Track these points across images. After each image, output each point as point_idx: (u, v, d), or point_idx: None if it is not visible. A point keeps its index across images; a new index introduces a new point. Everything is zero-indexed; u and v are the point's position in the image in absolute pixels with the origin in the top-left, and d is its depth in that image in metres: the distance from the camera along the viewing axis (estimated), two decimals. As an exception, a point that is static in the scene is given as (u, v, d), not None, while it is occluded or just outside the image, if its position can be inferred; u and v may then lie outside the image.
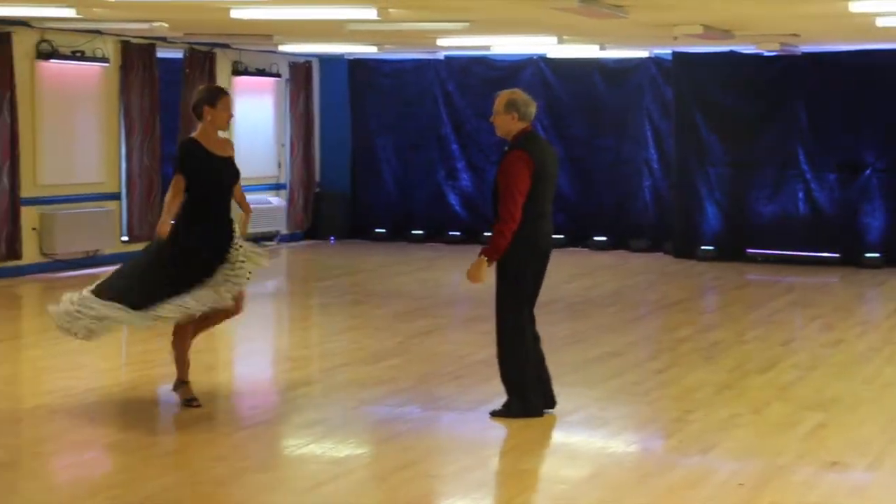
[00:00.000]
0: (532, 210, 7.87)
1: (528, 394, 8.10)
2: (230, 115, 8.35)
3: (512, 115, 7.95)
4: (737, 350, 10.76)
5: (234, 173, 8.42)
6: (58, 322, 8.20)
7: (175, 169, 8.25)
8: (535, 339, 8.22)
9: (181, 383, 8.51)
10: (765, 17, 12.49)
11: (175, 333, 8.47)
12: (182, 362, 8.51)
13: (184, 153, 8.26)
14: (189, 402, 8.41)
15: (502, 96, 8.03)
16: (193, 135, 8.32)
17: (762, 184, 16.96)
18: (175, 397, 8.48)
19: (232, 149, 8.49)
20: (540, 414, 8.14)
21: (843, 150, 16.61)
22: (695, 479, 6.93)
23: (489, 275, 7.93)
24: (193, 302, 8.12)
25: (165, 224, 8.18)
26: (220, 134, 8.45)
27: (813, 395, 9.02)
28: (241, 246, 8.35)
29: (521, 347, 8.04)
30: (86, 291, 8.22)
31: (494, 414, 8.15)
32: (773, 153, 16.90)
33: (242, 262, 8.31)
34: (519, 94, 8.05)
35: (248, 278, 8.34)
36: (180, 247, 8.16)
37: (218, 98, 8.31)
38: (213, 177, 8.28)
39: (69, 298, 8.22)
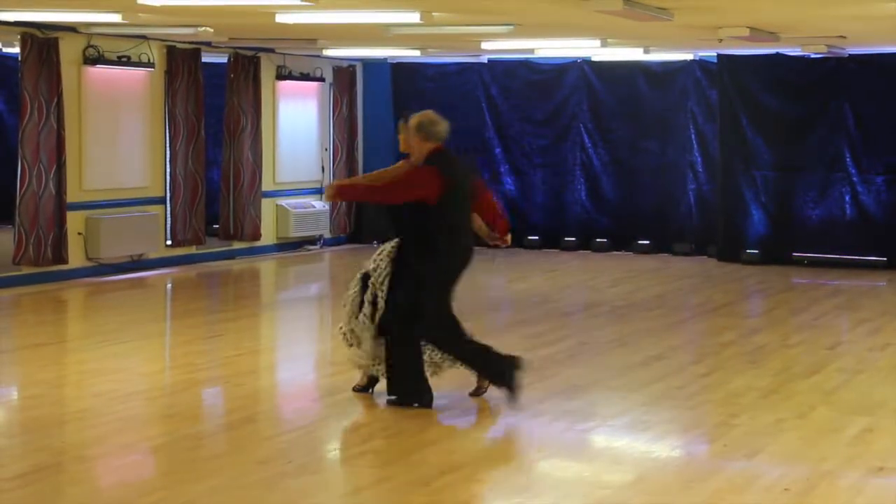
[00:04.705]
0: (446, 221, 8.18)
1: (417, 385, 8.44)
2: None
3: (419, 136, 8.24)
4: (782, 354, 10.69)
5: None
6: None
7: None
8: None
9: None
10: (811, 19, 12.40)
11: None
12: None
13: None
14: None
15: (412, 119, 8.33)
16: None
17: (808, 186, 16.85)
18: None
19: None
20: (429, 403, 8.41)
21: (890, 152, 16.48)
22: (740, 484, 6.88)
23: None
24: None
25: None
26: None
27: (859, 400, 8.95)
28: None
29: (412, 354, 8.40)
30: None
31: (390, 402, 8.49)
32: (819, 156, 16.78)
33: None
34: (426, 115, 8.31)
35: None
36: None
37: None
38: None
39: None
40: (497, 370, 8.40)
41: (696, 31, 13.50)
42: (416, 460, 7.53)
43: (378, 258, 8.45)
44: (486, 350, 8.45)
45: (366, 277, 8.46)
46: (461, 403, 8.71)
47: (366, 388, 8.81)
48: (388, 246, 8.41)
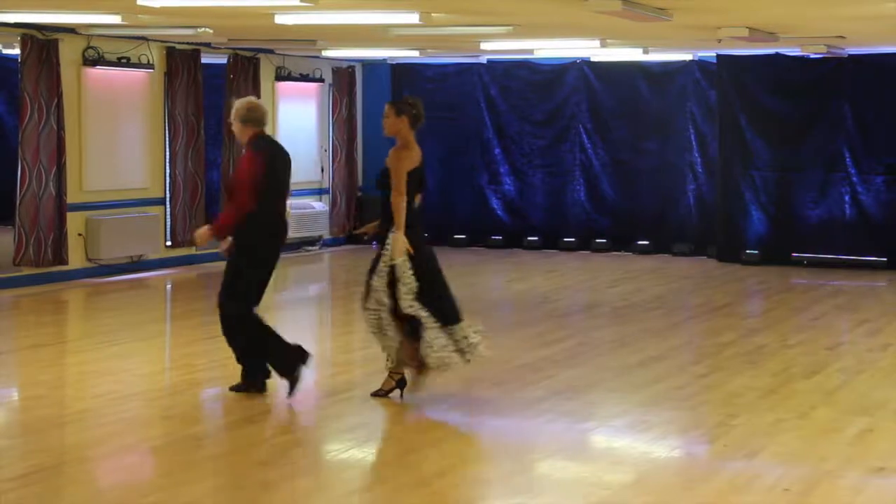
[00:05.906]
0: (267, 202, 8.92)
1: None
2: None
3: (242, 123, 8.97)
4: (781, 354, 10.69)
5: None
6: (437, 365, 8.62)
7: None
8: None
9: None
10: (810, 19, 12.40)
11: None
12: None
13: None
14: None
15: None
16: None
17: (808, 187, 16.84)
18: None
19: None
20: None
21: (890, 152, 16.48)
22: (740, 485, 6.88)
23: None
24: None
25: None
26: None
27: (859, 400, 8.95)
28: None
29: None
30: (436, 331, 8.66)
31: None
32: (818, 156, 16.78)
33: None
34: (246, 101, 9.03)
35: None
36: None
37: None
38: None
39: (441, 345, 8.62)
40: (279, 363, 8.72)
41: (695, 32, 13.50)
42: (416, 461, 7.53)
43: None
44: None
45: None
46: (461, 404, 8.71)
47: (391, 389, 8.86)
48: None
